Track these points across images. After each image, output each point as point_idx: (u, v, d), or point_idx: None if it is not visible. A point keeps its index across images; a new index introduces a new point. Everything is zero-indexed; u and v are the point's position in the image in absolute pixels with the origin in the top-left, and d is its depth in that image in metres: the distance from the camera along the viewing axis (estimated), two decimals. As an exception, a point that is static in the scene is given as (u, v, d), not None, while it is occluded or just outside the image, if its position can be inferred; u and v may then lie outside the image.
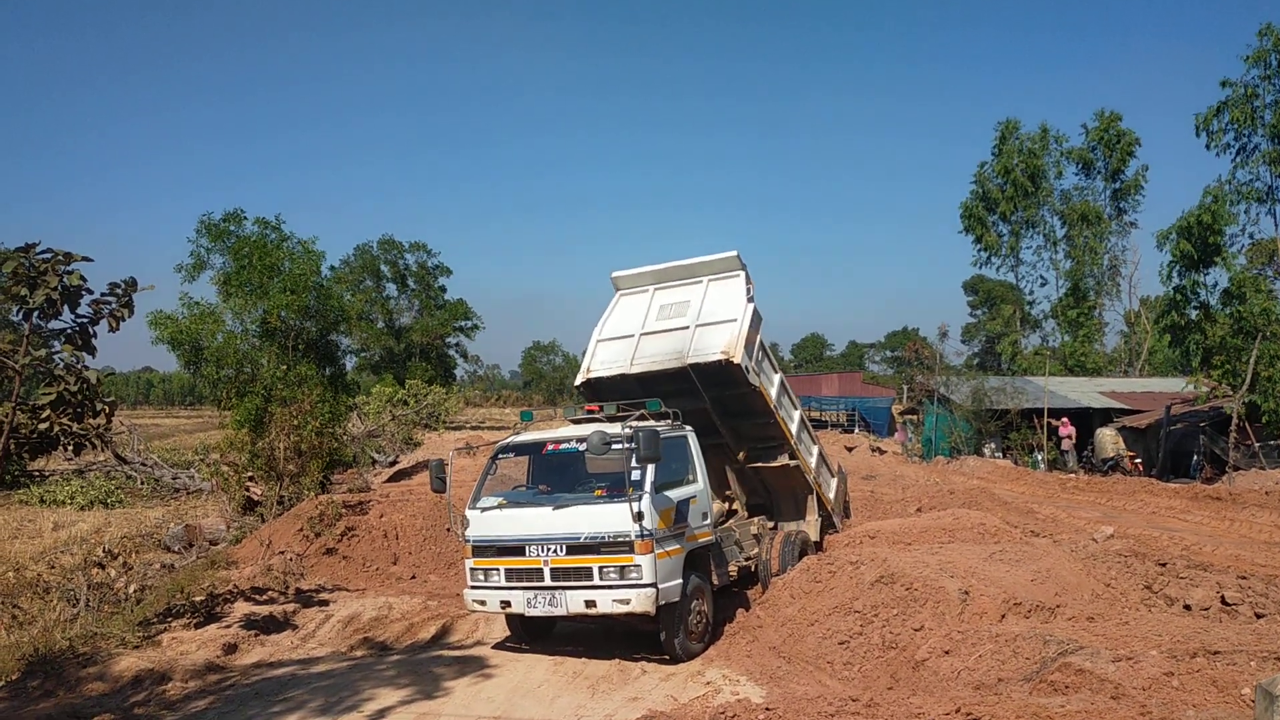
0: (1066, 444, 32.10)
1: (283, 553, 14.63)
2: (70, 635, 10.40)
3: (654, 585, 9.44)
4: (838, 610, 9.75)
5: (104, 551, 13.01)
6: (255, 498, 19.00)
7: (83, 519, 21.07)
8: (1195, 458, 28.33)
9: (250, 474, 19.20)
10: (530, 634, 11.04)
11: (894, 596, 9.54)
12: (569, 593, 9.71)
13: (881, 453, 35.38)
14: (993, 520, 14.02)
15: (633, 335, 12.77)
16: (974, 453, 33.11)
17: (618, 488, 9.79)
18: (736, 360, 11.68)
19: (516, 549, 10.04)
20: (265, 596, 12.80)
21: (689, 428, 11.41)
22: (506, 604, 10.10)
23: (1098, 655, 7.24)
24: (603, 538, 9.58)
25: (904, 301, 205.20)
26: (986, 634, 8.34)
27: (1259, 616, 9.53)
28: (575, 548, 9.71)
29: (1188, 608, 9.99)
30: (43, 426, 8.99)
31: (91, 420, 9.32)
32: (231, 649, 10.79)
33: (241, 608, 12.21)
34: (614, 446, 9.71)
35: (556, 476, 10.93)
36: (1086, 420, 34.15)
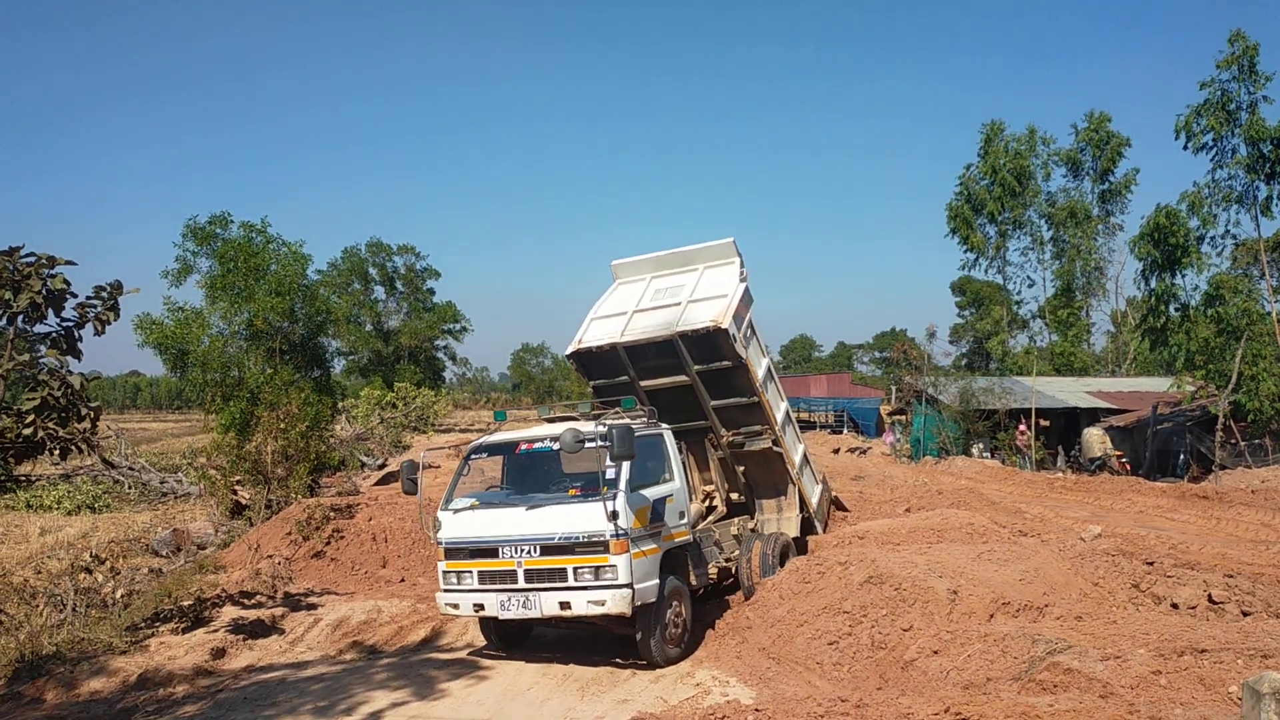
0: (1022, 444, 32.60)
1: (270, 557, 14.58)
2: (58, 641, 10.35)
3: (630, 586, 9.27)
4: (827, 611, 9.76)
5: (91, 556, 12.97)
6: (243, 502, 18.93)
7: (70, 524, 20.96)
8: (1182, 457, 28.51)
9: (237, 478, 19.13)
10: (505, 640, 10.85)
11: (883, 597, 9.56)
12: (543, 595, 9.51)
13: (861, 452, 35.40)
14: (981, 520, 14.05)
15: (626, 312, 12.83)
16: (962, 453, 33.20)
17: (592, 487, 9.63)
18: (724, 326, 11.55)
19: (490, 551, 9.85)
20: (253, 601, 12.75)
21: (665, 425, 11.32)
22: (480, 607, 9.88)
23: (1086, 654, 7.27)
24: (577, 538, 9.42)
25: (892, 302, 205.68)
26: (975, 634, 8.37)
27: (1245, 614, 9.58)
28: (549, 548, 9.53)
29: (1175, 606, 10.03)
30: (27, 431, 8.94)
31: (77, 425, 9.27)
32: (220, 653, 10.75)
33: (229, 612, 12.16)
34: (587, 444, 9.56)
35: (531, 476, 10.76)
36: (1074, 420, 34.33)
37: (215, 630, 11.45)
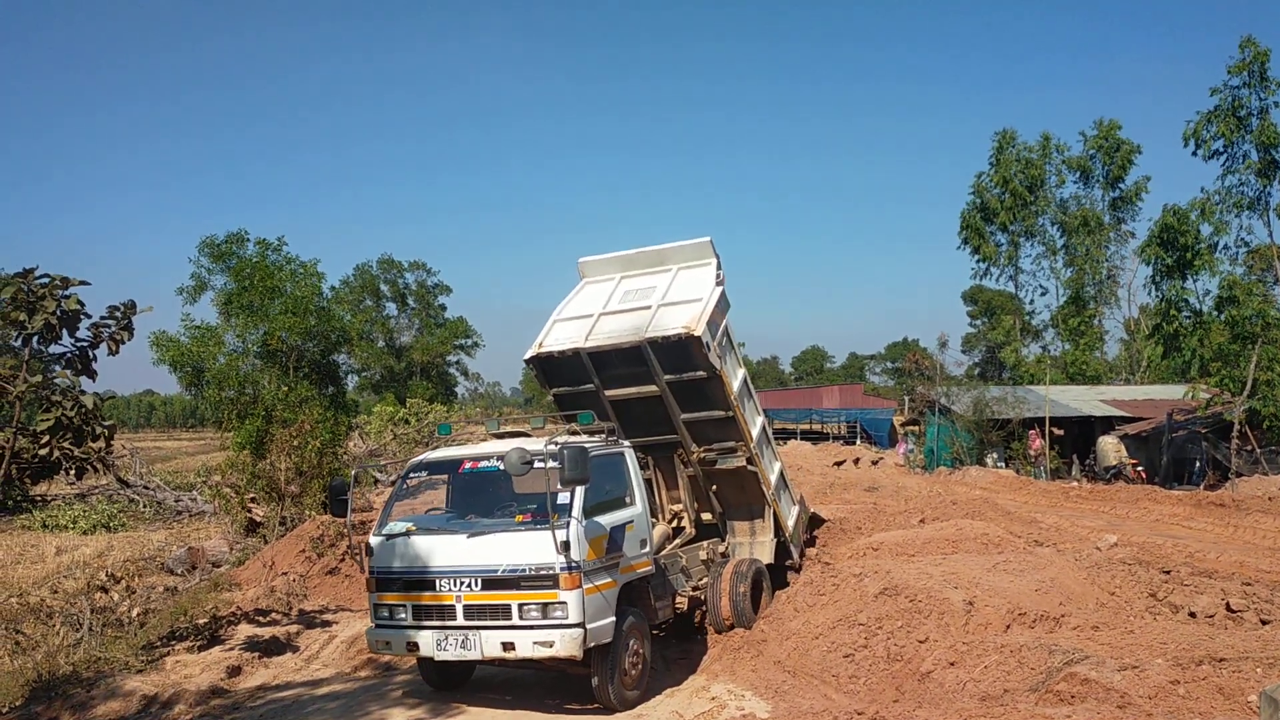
0: (1035, 455, 32.47)
1: (285, 574, 14.62)
2: (74, 660, 10.39)
3: (581, 625, 8.31)
4: (842, 623, 9.72)
5: (107, 575, 13.01)
6: (257, 519, 18.99)
7: (85, 543, 21.06)
8: (1198, 464, 28.35)
9: (252, 495, 19.21)
10: (445, 680, 9.83)
11: (898, 608, 9.52)
12: (484, 633, 8.52)
13: (873, 463, 35.21)
14: (996, 530, 13.98)
15: (592, 315, 11.85)
16: (976, 463, 33.06)
17: (543, 513, 8.56)
18: (697, 334, 10.59)
19: (425, 583, 8.87)
20: (268, 618, 12.78)
21: (626, 443, 10.39)
22: (414, 646, 8.89)
23: (1103, 664, 7.24)
24: (523, 571, 8.44)
25: (904, 313, 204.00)
26: (991, 645, 8.34)
27: (1264, 623, 9.52)
28: (492, 582, 8.55)
29: (1193, 615, 9.98)
30: (43, 452, 8.99)
31: (92, 444, 9.32)
32: (235, 672, 10.77)
33: (245, 630, 12.19)
34: (535, 465, 8.55)
35: (478, 498, 9.75)
36: (1088, 429, 34.20)
37: (230, 648, 11.48)
